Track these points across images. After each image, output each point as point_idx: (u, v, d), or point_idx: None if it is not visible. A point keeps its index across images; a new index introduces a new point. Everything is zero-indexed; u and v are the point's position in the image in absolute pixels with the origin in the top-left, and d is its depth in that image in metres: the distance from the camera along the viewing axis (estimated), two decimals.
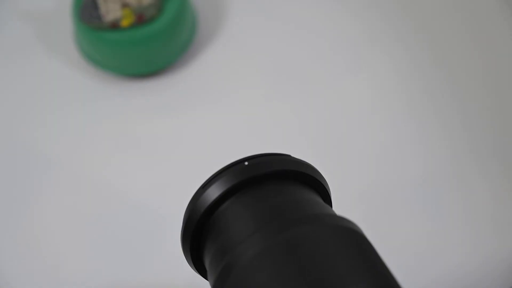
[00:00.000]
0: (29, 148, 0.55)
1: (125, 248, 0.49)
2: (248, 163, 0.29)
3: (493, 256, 0.48)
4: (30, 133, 0.55)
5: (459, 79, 0.57)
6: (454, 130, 0.54)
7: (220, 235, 0.28)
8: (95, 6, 0.54)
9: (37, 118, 0.56)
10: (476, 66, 0.57)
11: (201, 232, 0.29)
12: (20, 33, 0.61)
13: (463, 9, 0.61)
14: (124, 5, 0.54)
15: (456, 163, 0.52)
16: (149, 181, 0.53)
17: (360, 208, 0.50)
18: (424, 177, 0.52)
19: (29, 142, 0.55)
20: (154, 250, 0.49)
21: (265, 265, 0.24)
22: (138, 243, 0.50)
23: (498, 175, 0.52)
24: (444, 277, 0.47)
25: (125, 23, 0.54)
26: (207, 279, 0.32)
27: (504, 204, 0.50)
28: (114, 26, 0.54)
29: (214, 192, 0.29)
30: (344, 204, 0.51)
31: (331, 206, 0.32)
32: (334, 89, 0.57)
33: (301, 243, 0.25)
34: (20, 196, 0.52)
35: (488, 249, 0.48)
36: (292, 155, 0.34)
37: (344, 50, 0.59)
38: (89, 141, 0.55)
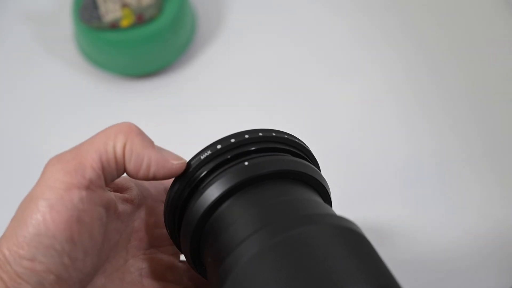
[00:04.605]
0: (29, 148, 0.55)
1: None
2: (248, 163, 0.29)
3: (488, 252, 0.48)
4: (30, 132, 0.55)
5: (450, 79, 0.57)
6: (444, 130, 0.54)
7: (220, 235, 0.28)
8: (95, 6, 0.54)
9: (37, 118, 0.56)
10: (467, 66, 0.57)
11: (201, 231, 0.29)
12: (20, 33, 0.61)
13: (454, 12, 0.61)
14: (124, 5, 0.54)
15: (446, 162, 0.52)
16: None
17: (355, 207, 0.50)
18: (413, 176, 0.52)
19: (29, 141, 0.55)
20: None
21: (265, 266, 0.24)
22: None
23: (489, 174, 0.52)
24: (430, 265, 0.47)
25: (124, 23, 0.54)
26: (207, 279, 0.32)
27: (495, 202, 0.50)
28: (114, 26, 0.54)
29: (214, 192, 0.29)
30: (341, 203, 0.51)
31: (331, 206, 0.32)
32: (332, 89, 0.57)
33: (301, 243, 0.25)
34: (18, 196, 0.52)
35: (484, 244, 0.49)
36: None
37: (344, 51, 0.59)
38: None
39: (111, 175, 0.29)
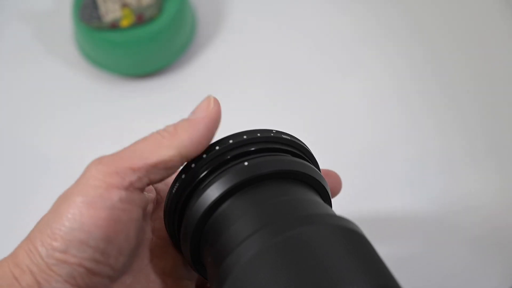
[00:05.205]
0: (29, 148, 0.55)
1: None
2: (248, 163, 0.29)
3: (489, 252, 0.48)
4: (30, 132, 0.55)
5: (454, 78, 0.57)
6: (448, 129, 0.54)
7: (220, 235, 0.28)
8: (95, 6, 0.54)
9: (37, 118, 0.56)
10: (471, 66, 0.57)
11: (201, 232, 0.29)
12: (20, 33, 0.61)
13: (459, 10, 0.61)
14: (124, 5, 0.54)
15: (450, 160, 0.52)
16: None
17: (355, 205, 0.50)
18: (417, 174, 0.52)
19: (29, 141, 0.55)
20: None
21: (265, 266, 0.24)
22: None
23: (492, 174, 0.52)
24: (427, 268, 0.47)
25: (124, 23, 0.54)
26: (206, 279, 0.32)
27: (497, 202, 0.50)
28: (114, 26, 0.54)
29: (214, 192, 0.29)
30: (340, 201, 0.51)
31: (331, 206, 0.32)
32: (332, 88, 0.57)
33: (301, 243, 0.25)
34: (19, 195, 0.53)
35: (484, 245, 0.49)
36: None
37: (343, 50, 0.59)
38: (89, 141, 0.55)
39: (160, 178, 0.29)
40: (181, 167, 0.30)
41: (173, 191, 0.30)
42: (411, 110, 0.55)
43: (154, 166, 0.28)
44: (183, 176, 0.30)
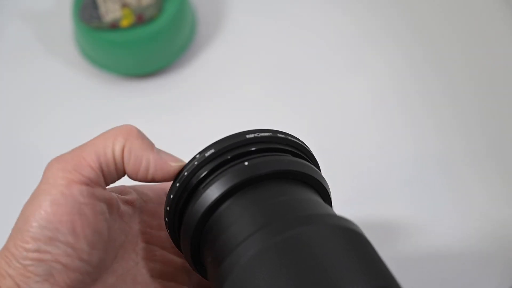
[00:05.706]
0: (29, 147, 0.55)
1: None
2: (248, 163, 0.29)
3: (490, 252, 0.48)
4: (30, 132, 0.55)
5: (455, 78, 0.57)
6: (448, 129, 0.54)
7: (221, 235, 0.28)
8: (95, 6, 0.54)
9: (37, 118, 0.56)
10: (472, 66, 0.57)
11: (201, 232, 0.30)
12: (20, 33, 0.61)
13: (460, 11, 0.61)
14: (124, 5, 0.54)
15: (450, 161, 0.52)
16: None
17: (355, 205, 0.50)
18: (417, 175, 0.52)
19: (29, 141, 0.55)
20: None
21: (265, 266, 0.24)
22: None
23: (493, 174, 0.51)
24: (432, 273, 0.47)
25: (124, 23, 0.54)
26: (207, 279, 0.32)
27: (498, 203, 0.50)
28: (114, 26, 0.54)
29: (213, 193, 0.29)
30: (340, 201, 0.51)
31: (331, 206, 0.32)
32: (333, 88, 0.57)
33: (301, 243, 0.25)
34: (18, 196, 0.52)
35: (483, 245, 0.49)
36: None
37: (343, 50, 0.59)
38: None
39: (111, 176, 0.30)
40: (180, 169, 0.31)
41: (174, 191, 0.30)
42: (411, 110, 0.55)
43: (107, 166, 0.29)
44: (183, 177, 0.30)
